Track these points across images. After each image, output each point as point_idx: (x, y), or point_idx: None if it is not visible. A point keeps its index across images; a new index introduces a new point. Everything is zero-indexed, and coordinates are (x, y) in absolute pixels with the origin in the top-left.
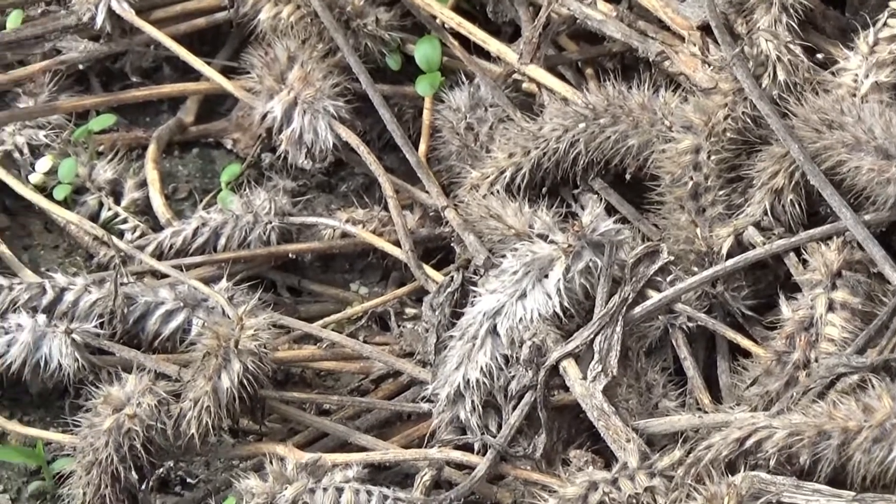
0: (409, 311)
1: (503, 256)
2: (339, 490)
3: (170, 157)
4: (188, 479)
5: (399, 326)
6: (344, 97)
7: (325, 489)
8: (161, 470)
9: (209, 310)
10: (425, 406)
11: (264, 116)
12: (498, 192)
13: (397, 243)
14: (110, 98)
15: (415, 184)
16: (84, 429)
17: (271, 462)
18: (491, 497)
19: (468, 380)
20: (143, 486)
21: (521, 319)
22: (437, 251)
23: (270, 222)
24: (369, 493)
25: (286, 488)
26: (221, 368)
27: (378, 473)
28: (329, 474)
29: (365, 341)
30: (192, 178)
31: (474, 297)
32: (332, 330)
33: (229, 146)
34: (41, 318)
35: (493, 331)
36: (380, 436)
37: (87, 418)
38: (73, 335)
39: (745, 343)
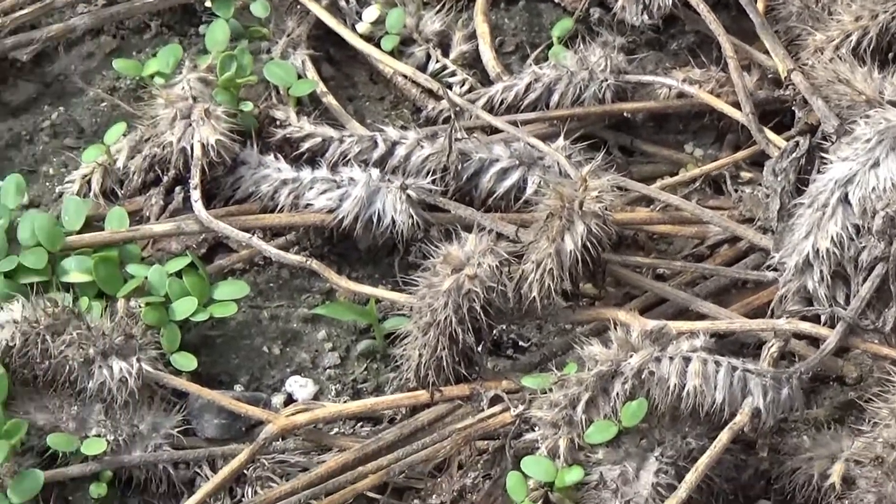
0: (744, 175)
1: (852, 123)
2: (686, 359)
3: (496, 9)
4: (520, 343)
5: (736, 191)
6: None
7: (671, 358)
8: (494, 332)
9: (545, 168)
10: (770, 274)
11: None
12: (843, 56)
13: (735, 105)
14: None
15: (751, 44)
16: (422, 288)
17: (615, 328)
18: (836, 370)
19: (817, 249)
20: (479, 349)
21: (873, 189)
22: (774, 115)
23: (606, 80)
24: (717, 363)
25: (631, 356)
26: (565, 230)
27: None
28: (675, 343)
29: (698, 205)
30: (519, 31)
31: (823, 163)
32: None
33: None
34: (374, 172)
35: (845, 199)
36: (715, 303)
37: (424, 278)
38: (409, 191)
39: None
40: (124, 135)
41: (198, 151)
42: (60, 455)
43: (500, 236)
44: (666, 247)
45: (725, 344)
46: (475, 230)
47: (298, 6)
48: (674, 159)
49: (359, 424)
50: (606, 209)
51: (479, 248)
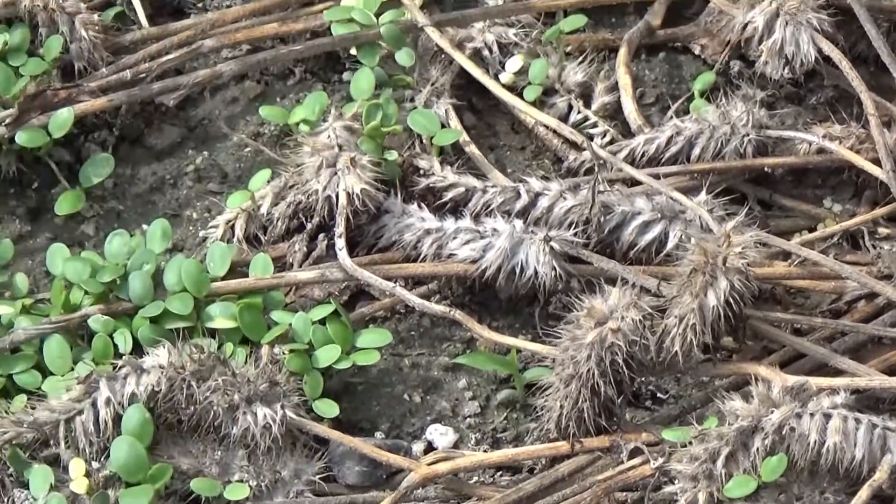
0: (882, 231)
1: None
2: (827, 416)
3: (636, 60)
4: (658, 395)
5: (874, 247)
6: (826, 9)
7: (812, 414)
8: (634, 385)
9: (686, 222)
10: None
11: (745, 26)
12: None
13: (875, 161)
14: None
15: (890, 101)
16: (565, 340)
17: (756, 383)
18: None
19: None
20: (619, 401)
21: None
22: None
23: (748, 135)
24: (857, 420)
25: (772, 412)
26: (708, 286)
27: None
28: (815, 399)
29: (836, 260)
30: (659, 83)
31: None
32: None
33: (697, 52)
34: (517, 223)
35: None
36: (853, 359)
37: (567, 330)
38: (552, 243)
39: None
40: (268, 181)
41: (343, 200)
42: (203, 500)
43: (642, 290)
44: (803, 301)
45: (860, 399)
46: (618, 284)
47: (442, 56)
48: (812, 214)
49: (498, 473)
50: (749, 265)
51: (622, 302)
